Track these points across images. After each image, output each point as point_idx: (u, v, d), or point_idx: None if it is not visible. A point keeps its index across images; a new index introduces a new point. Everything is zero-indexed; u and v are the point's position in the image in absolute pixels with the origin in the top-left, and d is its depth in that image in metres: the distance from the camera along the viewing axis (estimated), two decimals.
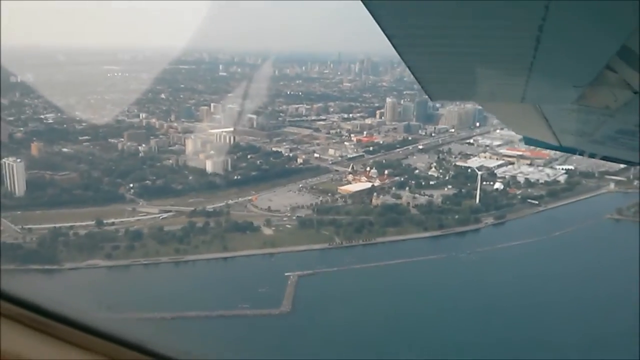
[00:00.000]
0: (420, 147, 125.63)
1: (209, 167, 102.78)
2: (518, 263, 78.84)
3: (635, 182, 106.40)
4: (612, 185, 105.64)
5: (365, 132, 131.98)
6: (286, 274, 73.61)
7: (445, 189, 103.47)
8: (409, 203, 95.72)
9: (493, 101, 9.12)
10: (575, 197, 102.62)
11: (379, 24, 3.62)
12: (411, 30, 3.96)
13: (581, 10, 3.31)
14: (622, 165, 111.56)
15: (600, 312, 68.04)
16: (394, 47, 4.14)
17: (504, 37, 3.91)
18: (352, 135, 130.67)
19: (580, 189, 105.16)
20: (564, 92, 5.89)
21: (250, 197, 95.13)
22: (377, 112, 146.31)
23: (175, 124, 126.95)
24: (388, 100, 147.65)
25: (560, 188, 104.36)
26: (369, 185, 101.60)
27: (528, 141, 17.31)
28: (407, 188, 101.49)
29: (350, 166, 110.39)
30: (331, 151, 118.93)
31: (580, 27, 3.60)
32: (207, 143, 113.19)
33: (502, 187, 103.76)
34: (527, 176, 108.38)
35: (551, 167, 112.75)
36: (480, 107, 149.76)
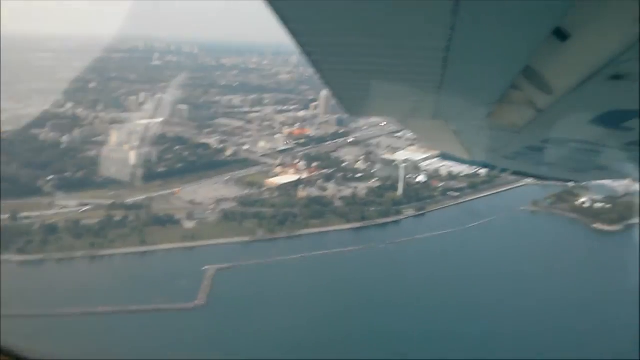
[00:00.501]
0: (350, 140, 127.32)
1: (132, 158, 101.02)
2: (432, 252, 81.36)
3: None
4: (529, 178, 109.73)
5: (297, 125, 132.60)
6: (204, 267, 73.59)
7: (371, 181, 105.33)
8: (334, 195, 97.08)
9: (407, 117, 9.28)
10: (494, 190, 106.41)
11: (296, 42, 3.66)
12: (326, 48, 4.03)
13: (485, 32, 3.40)
14: None
15: (510, 299, 71.17)
16: (311, 63, 4.23)
17: (412, 57, 4.01)
18: (284, 127, 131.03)
19: (500, 182, 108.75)
20: (472, 109, 6.06)
21: (173, 190, 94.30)
22: (312, 104, 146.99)
23: (103, 114, 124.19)
24: (322, 93, 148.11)
25: (480, 180, 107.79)
26: (296, 177, 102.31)
27: (444, 156, 17.69)
28: (333, 180, 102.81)
29: (280, 158, 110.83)
30: (262, 143, 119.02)
31: (485, 48, 3.72)
32: (132, 134, 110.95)
33: (425, 179, 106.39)
34: (450, 169, 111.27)
35: None
36: None
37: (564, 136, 7.06)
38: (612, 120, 4.95)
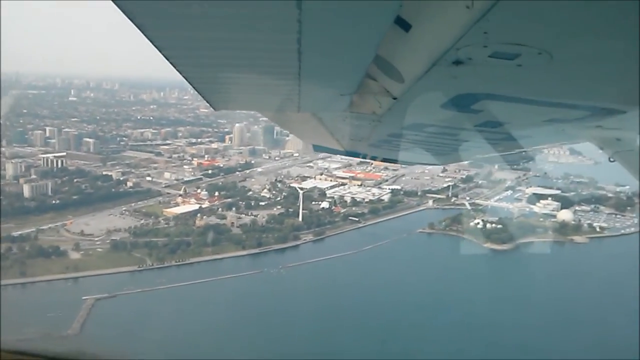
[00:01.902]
0: (260, 170, 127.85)
1: (26, 191, 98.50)
2: (322, 275, 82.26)
3: (453, 199, 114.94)
4: (430, 202, 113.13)
5: (207, 156, 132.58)
6: (84, 297, 71.75)
7: (275, 209, 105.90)
8: (232, 223, 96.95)
9: (275, 111, 9.10)
10: (395, 214, 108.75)
11: (145, 35, 3.46)
12: (180, 42, 3.83)
13: (332, 24, 3.41)
14: (443, 185, 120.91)
15: (393, 317, 72.28)
16: (166, 58, 3.99)
17: (268, 50, 3.93)
18: (194, 159, 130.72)
19: (402, 206, 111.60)
20: (333, 100, 6.00)
21: (65, 222, 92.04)
22: (227, 137, 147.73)
23: (4, 149, 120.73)
24: (236, 125, 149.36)
25: (382, 206, 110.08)
26: (196, 207, 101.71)
27: (317, 148, 17.61)
28: (233, 209, 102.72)
29: (183, 189, 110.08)
30: (167, 174, 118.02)
31: (333, 40, 3.72)
32: (31, 168, 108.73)
33: (328, 206, 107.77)
34: (355, 196, 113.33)
35: (379, 187, 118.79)
36: None
37: (421, 121, 7.21)
38: (461, 103, 5.12)
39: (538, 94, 4.68)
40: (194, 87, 5.30)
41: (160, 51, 3.81)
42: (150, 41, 3.59)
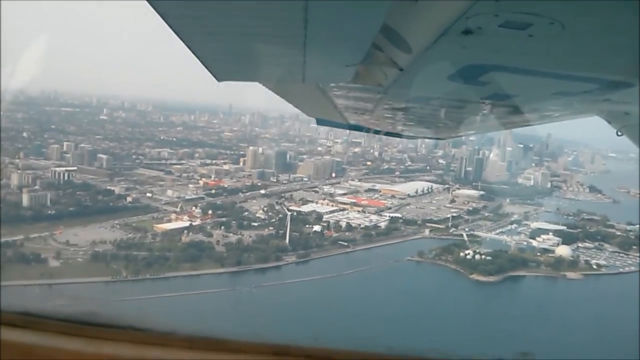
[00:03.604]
0: (263, 192, 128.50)
1: (25, 201, 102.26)
2: (293, 295, 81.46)
3: (452, 230, 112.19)
4: (427, 232, 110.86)
5: (214, 177, 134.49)
6: (49, 303, 73.19)
7: (266, 230, 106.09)
8: (218, 241, 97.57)
9: (279, 82, 9.00)
10: (388, 241, 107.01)
11: (149, 2, 3.42)
12: (184, 10, 3.74)
13: None
14: (447, 215, 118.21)
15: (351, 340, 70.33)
16: (170, 27, 3.94)
17: (274, 18, 3.84)
18: (202, 179, 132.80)
19: (397, 234, 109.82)
20: (338, 71, 5.96)
21: (55, 232, 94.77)
22: (242, 159, 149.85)
23: (18, 161, 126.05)
24: (250, 148, 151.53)
25: (376, 232, 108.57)
26: (187, 223, 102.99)
27: (320, 122, 17.77)
28: (223, 227, 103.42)
29: (180, 206, 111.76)
30: (170, 192, 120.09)
31: (340, 9, 3.62)
32: (37, 179, 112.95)
33: (320, 229, 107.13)
34: (351, 221, 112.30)
35: (379, 214, 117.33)
36: (338, 160, 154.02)
37: (427, 94, 7.26)
38: (469, 75, 5.10)
39: (548, 66, 4.56)
40: (197, 58, 5.09)
41: (164, 19, 3.70)
42: (154, 9, 3.50)
